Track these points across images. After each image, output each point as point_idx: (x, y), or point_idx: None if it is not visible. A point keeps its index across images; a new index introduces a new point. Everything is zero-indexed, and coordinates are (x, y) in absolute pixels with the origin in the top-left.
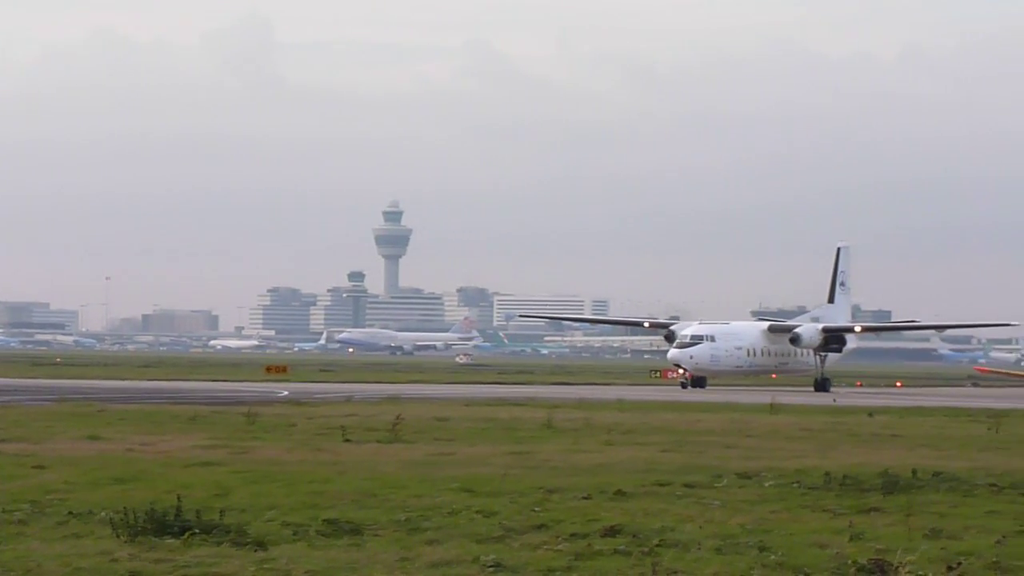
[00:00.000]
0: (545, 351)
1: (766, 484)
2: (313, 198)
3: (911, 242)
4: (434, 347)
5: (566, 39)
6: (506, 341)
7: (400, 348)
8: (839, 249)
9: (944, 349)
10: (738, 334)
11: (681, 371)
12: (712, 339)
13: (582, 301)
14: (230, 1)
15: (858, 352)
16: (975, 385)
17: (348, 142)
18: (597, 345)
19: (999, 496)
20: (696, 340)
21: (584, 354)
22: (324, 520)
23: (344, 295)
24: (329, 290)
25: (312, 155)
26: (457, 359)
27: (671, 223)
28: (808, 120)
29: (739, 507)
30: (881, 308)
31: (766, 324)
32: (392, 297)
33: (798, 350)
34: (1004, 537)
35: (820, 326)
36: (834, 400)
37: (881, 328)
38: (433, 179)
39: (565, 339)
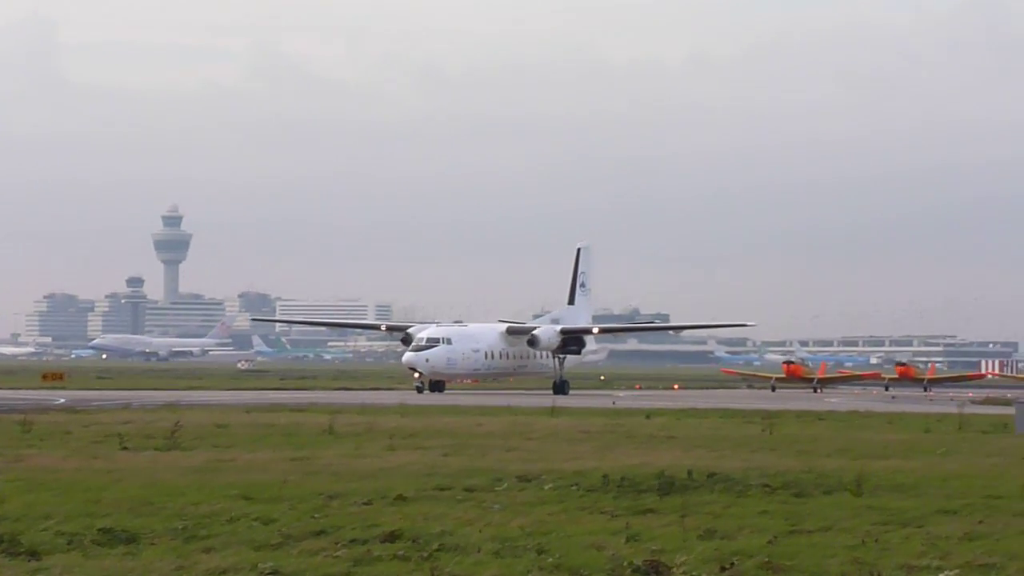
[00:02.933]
0: (328, 356)
1: (545, 487)
2: (92, 201)
3: (698, 248)
4: (191, 353)
5: (355, 41)
6: (288, 347)
7: (155, 354)
8: (579, 250)
9: (720, 352)
10: (475, 336)
11: (417, 375)
12: (448, 342)
13: (366, 306)
14: (11, 1)
15: (637, 355)
16: (750, 387)
17: (129, 144)
18: (381, 350)
19: (772, 496)
20: (432, 343)
21: (368, 359)
22: (99, 529)
23: (123, 301)
24: (107, 296)
25: (92, 157)
26: (238, 365)
27: (459, 227)
28: (599, 125)
29: (518, 510)
30: (660, 311)
31: (504, 326)
32: (172, 303)
33: (536, 352)
34: (776, 537)
35: (558, 328)
36: (613, 402)
37: (619, 329)
38: (216, 182)
39: (348, 344)
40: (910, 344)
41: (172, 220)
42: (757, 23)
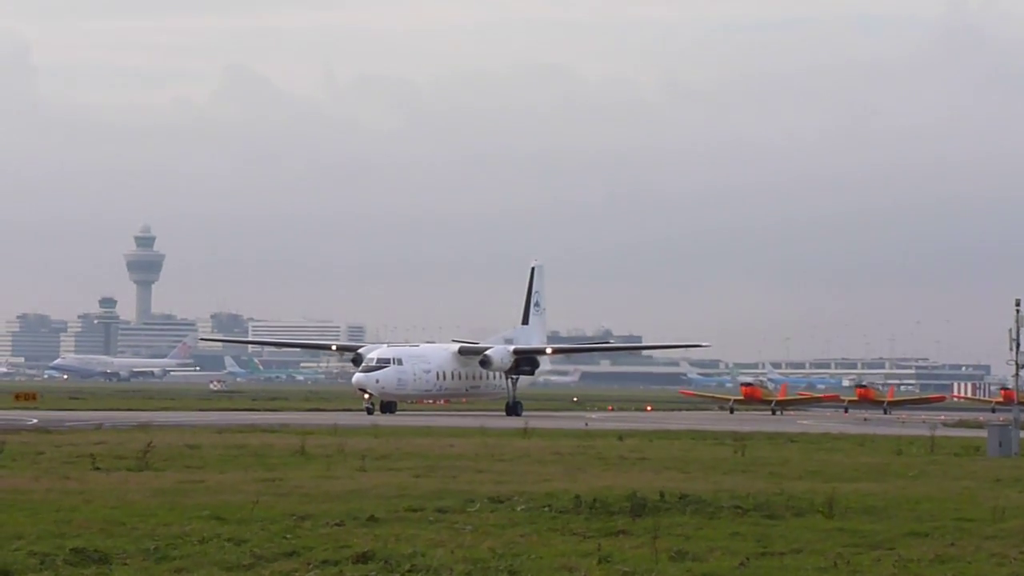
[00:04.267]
0: (300, 377)
1: (517, 508)
2: (65, 222)
3: (674, 271)
4: (152, 373)
5: (330, 63)
6: (260, 367)
7: (116, 374)
8: (533, 268)
9: (692, 373)
10: (427, 357)
11: (367, 396)
12: (399, 362)
13: (338, 327)
14: None
15: (609, 376)
16: (721, 408)
17: (103, 165)
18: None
19: (743, 518)
20: (383, 364)
21: (339, 380)
22: (71, 549)
23: (95, 321)
24: (80, 316)
25: (66, 178)
26: (211, 385)
27: (435, 248)
28: (573, 148)
29: (490, 531)
30: (632, 333)
31: (457, 346)
32: (144, 323)
33: (489, 372)
34: (747, 559)
35: (511, 348)
36: (585, 424)
37: (572, 350)
38: (189, 203)
39: (320, 365)
40: (882, 367)
41: (145, 241)
42: (730, 53)
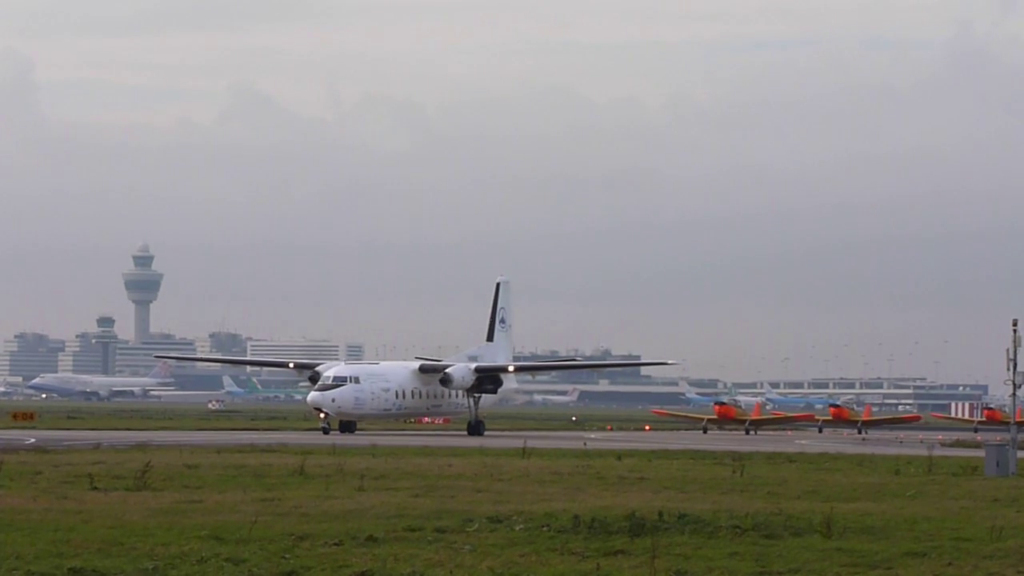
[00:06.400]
0: (299, 397)
1: (516, 528)
2: (63, 240)
3: (673, 290)
4: (132, 393)
5: (335, 84)
6: (259, 387)
7: (96, 394)
8: (498, 284)
9: (691, 393)
10: (386, 375)
11: (323, 415)
12: (356, 380)
13: (336, 346)
14: None
15: (608, 396)
16: (719, 429)
17: (103, 183)
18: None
19: (741, 538)
20: (339, 382)
21: None
22: (69, 569)
23: (93, 341)
24: (78, 335)
25: (64, 195)
26: (209, 405)
27: (436, 266)
28: (577, 165)
29: (489, 551)
30: (631, 353)
31: (418, 364)
32: (142, 343)
33: (450, 391)
34: None
35: (473, 366)
36: (584, 444)
37: (535, 368)
38: (189, 223)
39: None
40: (880, 386)
41: (143, 260)
42: (736, 67)
